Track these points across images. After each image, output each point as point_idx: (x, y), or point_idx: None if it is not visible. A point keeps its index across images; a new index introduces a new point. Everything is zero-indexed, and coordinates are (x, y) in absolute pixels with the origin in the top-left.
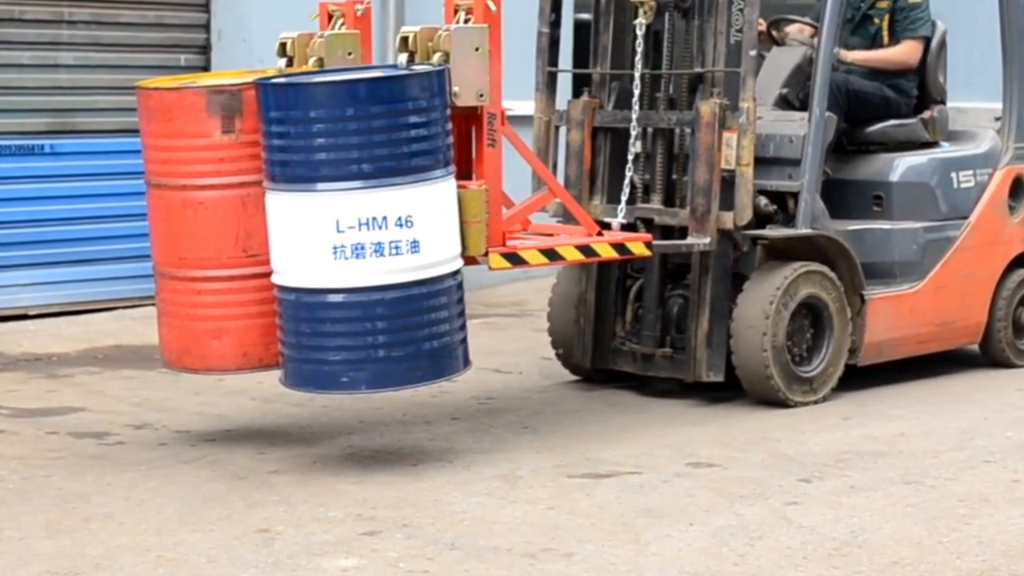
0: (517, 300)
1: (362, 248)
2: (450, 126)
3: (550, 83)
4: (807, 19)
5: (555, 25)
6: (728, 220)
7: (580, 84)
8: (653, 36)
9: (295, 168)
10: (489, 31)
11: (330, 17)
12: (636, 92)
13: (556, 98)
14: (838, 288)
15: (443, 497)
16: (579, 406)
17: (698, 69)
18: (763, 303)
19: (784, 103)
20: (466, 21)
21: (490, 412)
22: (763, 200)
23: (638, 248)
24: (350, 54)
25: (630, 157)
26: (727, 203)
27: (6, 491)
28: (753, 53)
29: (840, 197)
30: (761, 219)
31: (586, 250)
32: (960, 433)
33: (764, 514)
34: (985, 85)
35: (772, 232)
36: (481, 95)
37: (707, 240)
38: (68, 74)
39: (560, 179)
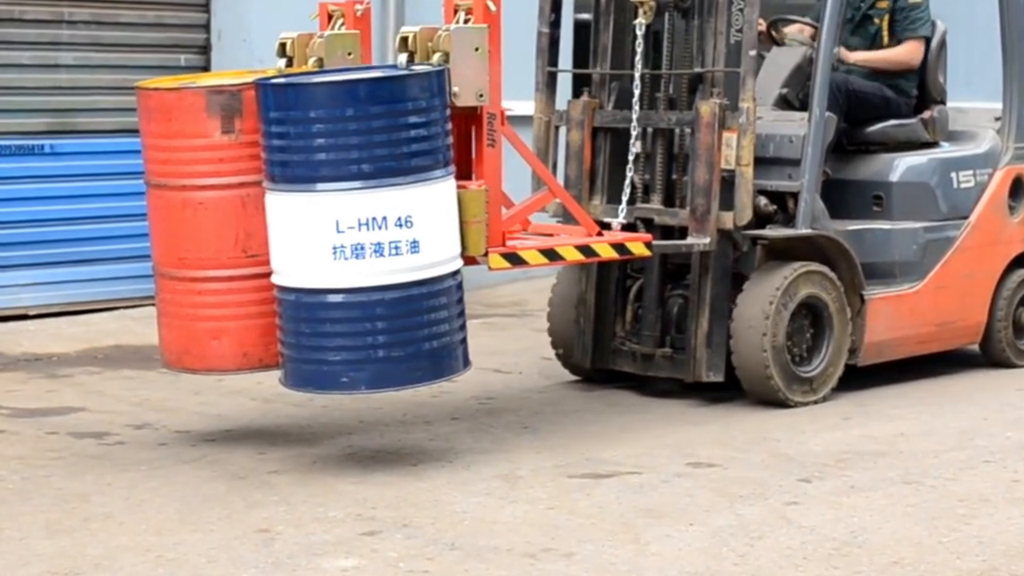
0: (517, 300)
1: (362, 248)
2: (450, 126)
3: (550, 83)
4: (807, 19)
5: (555, 25)
6: (728, 220)
7: (580, 84)
8: (653, 36)
9: (295, 168)
10: (489, 31)
11: (330, 17)
12: (636, 92)
13: (556, 98)
14: (838, 288)
15: (443, 497)
16: (579, 406)
17: (698, 69)
18: (763, 303)
19: (784, 103)
20: (466, 21)
21: (490, 412)
22: (763, 200)
23: (638, 248)
24: (350, 54)
25: (631, 157)
26: (727, 203)
27: (6, 491)
28: (753, 53)
29: (840, 197)
30: (761, 219)
31: (586, 250)
32: (960, 433)
33: (764, 514)
34: (985, 85)
35: (772, 232)
36: (481, 95)
37: (707, 240)
38: (68, 74)
39: (560, 179)
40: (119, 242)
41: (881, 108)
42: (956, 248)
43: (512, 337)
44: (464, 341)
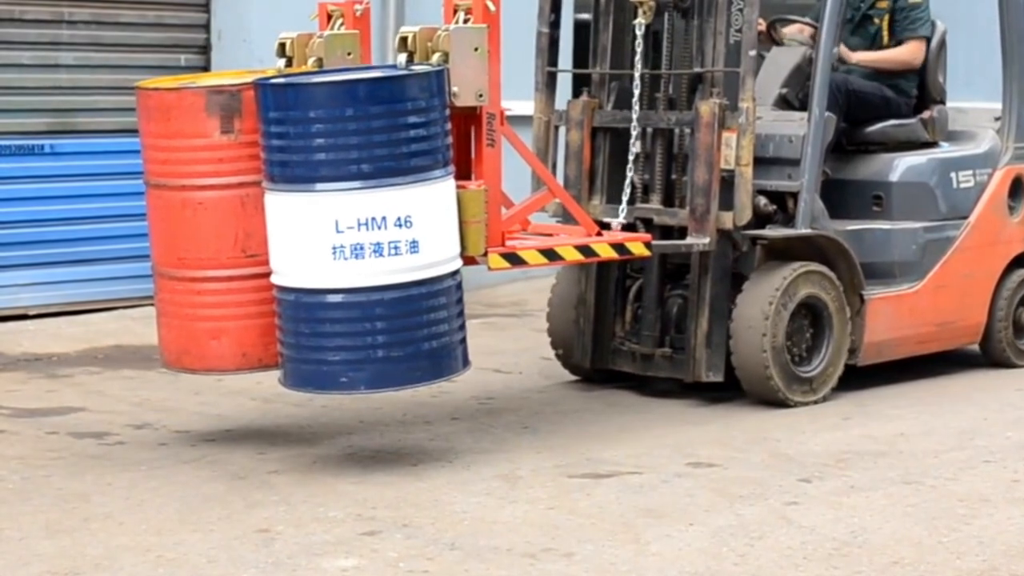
0: (517, 300)
1: (361, 248)
2: (449, 126)
3: (549, 83)
4: (807, 19)
5: (554, 25)
6: (727, 220)
7: (580, 84)
8: (652, 36)
9: (294, 168)
10: (488, 31)
11: (329, 17)
12: (636, 92)
13: (556, 98)
14: (837, 288)
15: (443, 497)
16: (579, 406)
17: (697, 69)
18: (762, 303)
19: (784, 103)
20: (465, 21)
21: (490, 412)
22: (762, 200)
23: (637, 248)
24: (349, 54)
25: (630, 157)
26: (726, 203)
27: (6, 491)
28: (752, 53)
29: (840, 197)
30: (760, 219)
31: (585, 250)
32: (960, 433)
33: (764, 514)
34: (985, 85)
35: (771, 232)
36: (480, 95)
37: (706, 240)
38: (68, 74)
39: (559, 179)
40: (119, 242)
41: (881, 108)
42: (956, 248)
43: (512, 337)
44: (464, 341)
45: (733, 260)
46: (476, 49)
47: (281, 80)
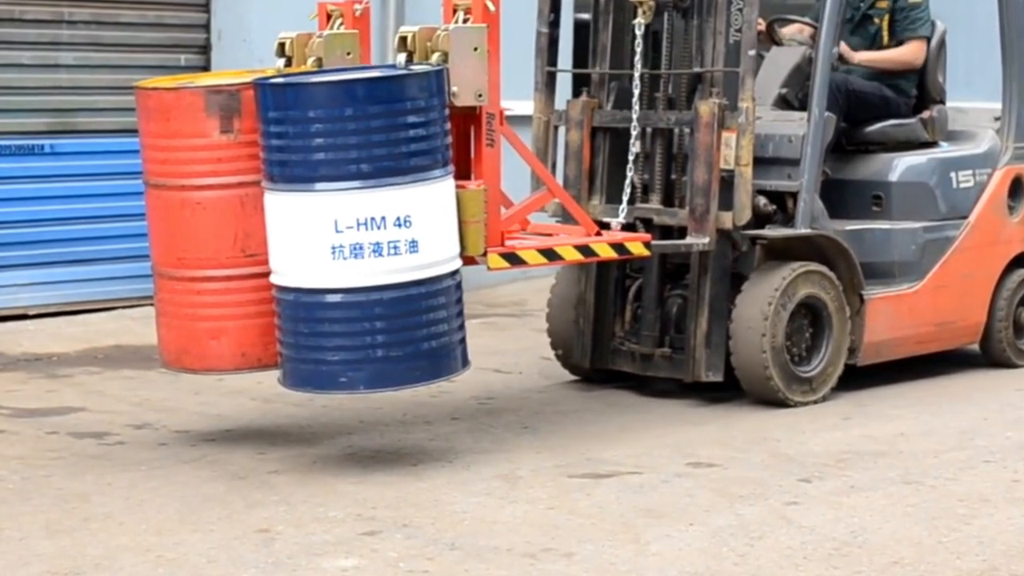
0: (517, 300)
1: (360, 248)
2: (449, 126)
3: (549, 83)
4: (806, 19)
5: (554, 25)
6: (727, 220)
7: (579, 84)
8: (652, 36)
9: (293, 168)
10: (488, 31)
11: (329, 17)
12: (635, 92)
13: (555, 98)
14: (837, 288)
15: (443, 497)
16: (579, 406)
17: (697, 69)
18: (762, 304)
19: (783, 103)
20: (465, 21)
21: (490, 412)
22: (762, 200)
23: (637, 248)
24: (349, 54)
25: (630, 157)
26: (726, 203)
27: (6, 491)
28: (752, 53)
29: (839, 197)
30: (760, 219)
31: (585, 250)
32: (960, 433)
33: (764, 514)
34: (985, 85)
35: (771, 232)
36: (480, 95)
37: (706, 240)
38: (68, 74)
39: (559, 179)
40: (119, 242)
41: (880, 108)
42: (955, 248)
43: (512, 337)
44: (463, 341)
45: (733, 260)
46: (475, 49)
47: (280, 80)
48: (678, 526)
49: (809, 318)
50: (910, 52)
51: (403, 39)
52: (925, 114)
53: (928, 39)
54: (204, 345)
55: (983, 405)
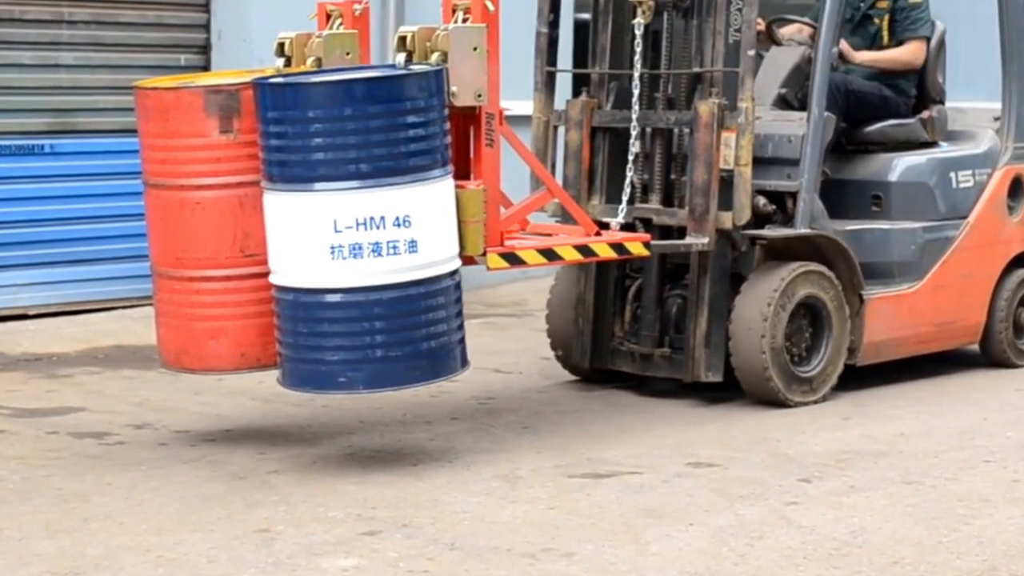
0: (517, 300)
1: (360, 248)
2: (448, 126)
3: (549, 83)
4: (806, 19)
5: (554, 25)
6: (727, 220)
7: (579, 84)
8: (652, 36)
9: (293, 168)
10: (487, 31)
11: (328, 17)
12: (635, 92)
13: (555, 98)
14: (836, 288)
15: (443, 497)
16: (579, 406)
17: (697, 69)
18: (761, 305)
19: (783, 103)
20: (464, 21)
21: (490, 412)
22: (762, 200)
23: (636, 248)
24: (348, 54)
25: (630, 157)
26: (726, 203)
27: (6, 491)
28: (752, 53)
29: (839, 197)
30: (760, 219)
31: (584, 250)
32: (960, 433)
33: (764, 514)
34: (985, 85)
35: (771, 232)
36: (479, 95)
37: (706, 240)
38: (68, 74)
39: (558, 179)
40: (119, 242)
41: (880, 108)
42: (955, 248)
43: (512, 337)
44: (462, 341)
45: (732, 260)
46: (475, 49)
47: (279, 80)
48: (678, 526)
49: (809, 318)
50: (910, 52)
51: (402, 39)
52: (925, 114)
53: (928, 39)
54: (203, 345)
55: (983, 405)
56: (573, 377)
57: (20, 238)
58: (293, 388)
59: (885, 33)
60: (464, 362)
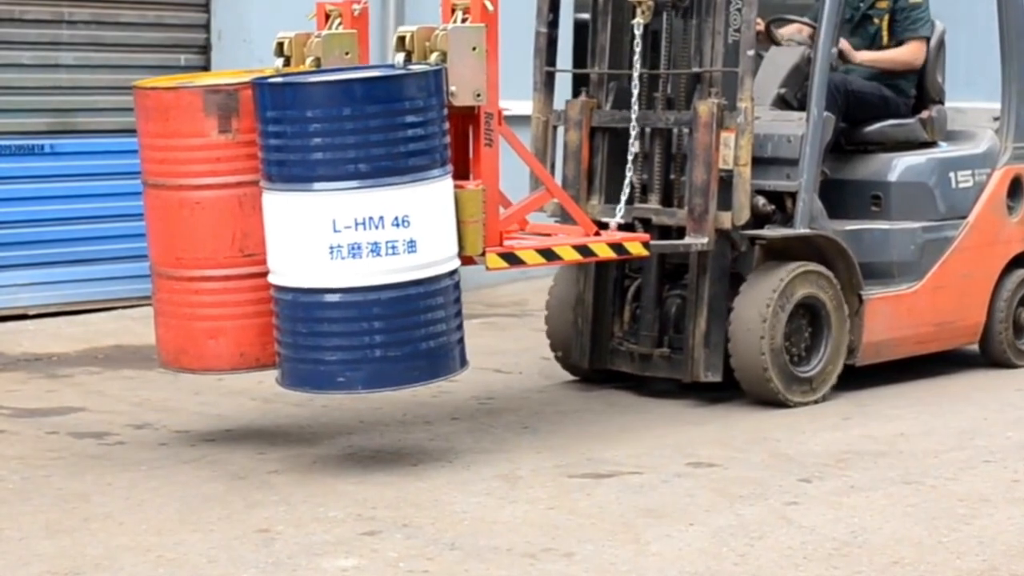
0: (517, 300)
1: (359, 248)
2: (447, 126)
3: (548, 83)
4: (805, 19)
5: (553, 25)
6: (726, 220)
7: (578, 84)
8: (651, 36)
9: (292, 168)
10: (487, 31)
11: (327, 17)
12: (634, 92)
13: (554, 98)
14: (836, 288)
15: (443, 497)
16: (579, 406)
17: (696, 69)
18: (760, 305)
19: (782, 103)
20: (463, 21)
21: (490, 412)
22: (761, 200)
23: (636, 248)
24: (347, 54)
25: (629, 157)
26: (725, 203)
27: (6, 491)
28: (751, 53)
29: (838, 197)
30: (759, 219)
31: (584, 250)
32: (960, 433)
33: (764, 514)
34: (985, 85)
35: (770, 232)
36: (478, 95)
37: (705, 240)
38: (68, 74)
39: (558, 179)
40: (118, 242)
41: (879, 108)
42: (954, 248)
43: (512, 337)
44: (461, 341)
45: (731, 260)
46: (474, 49)
47: (278, 80)
48: (678, 526)
49: (808, 318)
50: (910, 52)
51: (401, 39)
52: (924, 114)
53: (928, 39)
54: (202, 345)
55: (983, 405)
56: (573, 377)
57: (20, 238)
58: (292, 388)
59: (885, 33)
60: (463, 362)
